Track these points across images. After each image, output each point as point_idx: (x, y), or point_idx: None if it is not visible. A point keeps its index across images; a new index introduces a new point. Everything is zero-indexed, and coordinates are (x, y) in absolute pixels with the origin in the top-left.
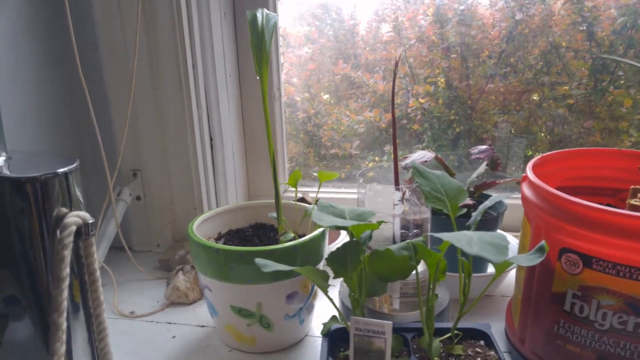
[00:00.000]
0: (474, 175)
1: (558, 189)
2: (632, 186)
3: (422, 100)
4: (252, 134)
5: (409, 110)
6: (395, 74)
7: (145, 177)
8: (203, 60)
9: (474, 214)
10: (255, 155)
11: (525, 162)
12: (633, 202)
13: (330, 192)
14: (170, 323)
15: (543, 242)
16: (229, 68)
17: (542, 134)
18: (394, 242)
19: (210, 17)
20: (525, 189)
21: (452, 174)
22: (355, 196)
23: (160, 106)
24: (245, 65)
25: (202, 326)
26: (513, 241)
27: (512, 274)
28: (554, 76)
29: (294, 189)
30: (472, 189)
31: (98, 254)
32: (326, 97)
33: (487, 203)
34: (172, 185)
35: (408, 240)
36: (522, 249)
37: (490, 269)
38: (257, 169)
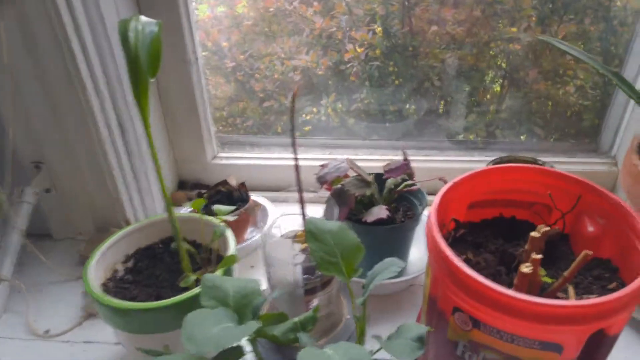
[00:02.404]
0: (390, 183)
1: (473, 203)
2: (532, 233)
3: (359, 50)
4: (169, 100)
5: (345, 59)
6: (292, 107)
7: (52, 168)
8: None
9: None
10: (176, 123)
11: (467, 107)
12: (524, 269)
13: (265, 159)
14: (87, 342)
15: (425, 330)
16: None
17: (491, 73)
18: (297, 286)
19: None
20: (428, 227)
21: (367, 182)
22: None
23: (50, 92)
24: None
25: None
26: None
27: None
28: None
29: (224, 154)
30: (391, 192)
31: (4, 268)
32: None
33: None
34: (83, 175)
35: (295, 320)
36: (425, 290)
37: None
38: (181, 137)
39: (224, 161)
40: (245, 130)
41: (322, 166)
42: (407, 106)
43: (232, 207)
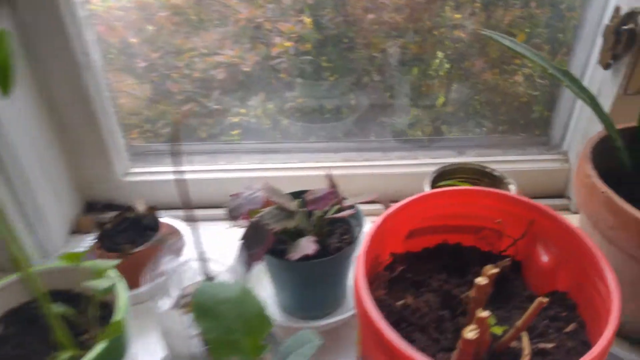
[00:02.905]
0: (318, 212)
1: (413, 232)
2: (477, 280)
3: (287, 44)
4: (62, 113)
5: (273, 54)
6: (175, 136)
7: None
8: None
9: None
10: (74, 138)
11: (411, 100)
12: (469, 334)
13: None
14: None
15: None
16: None
17: (436, 63)
18: None
19: None
20: (355, 280)
21: (290, 212)
22: (220, 175)
23: None
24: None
25: None
26: None
27: None
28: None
29: (138, 169)
30: (321, 219)
31: None
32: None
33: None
34: None
35: None
36: (357, 343)
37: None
38: (82, 154)
39: (139, 177)
40: (165, 137)
41: (233, 196)
42: (346, 103)
43: (115, 262)
